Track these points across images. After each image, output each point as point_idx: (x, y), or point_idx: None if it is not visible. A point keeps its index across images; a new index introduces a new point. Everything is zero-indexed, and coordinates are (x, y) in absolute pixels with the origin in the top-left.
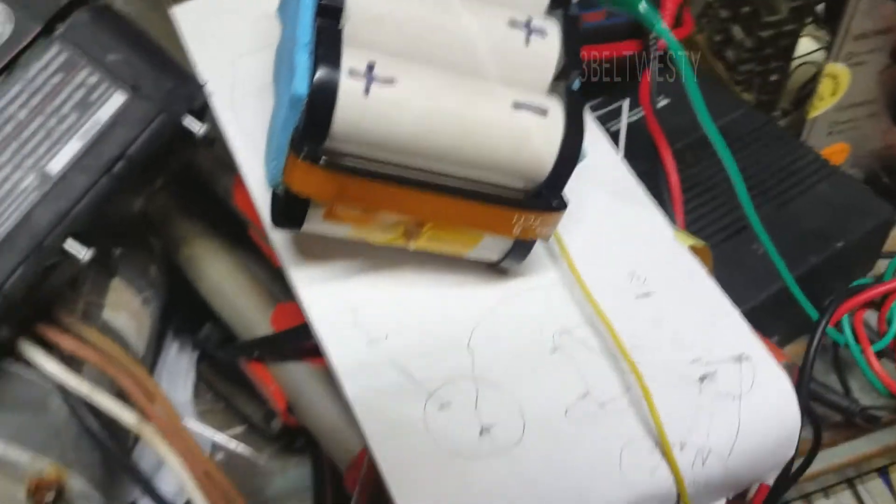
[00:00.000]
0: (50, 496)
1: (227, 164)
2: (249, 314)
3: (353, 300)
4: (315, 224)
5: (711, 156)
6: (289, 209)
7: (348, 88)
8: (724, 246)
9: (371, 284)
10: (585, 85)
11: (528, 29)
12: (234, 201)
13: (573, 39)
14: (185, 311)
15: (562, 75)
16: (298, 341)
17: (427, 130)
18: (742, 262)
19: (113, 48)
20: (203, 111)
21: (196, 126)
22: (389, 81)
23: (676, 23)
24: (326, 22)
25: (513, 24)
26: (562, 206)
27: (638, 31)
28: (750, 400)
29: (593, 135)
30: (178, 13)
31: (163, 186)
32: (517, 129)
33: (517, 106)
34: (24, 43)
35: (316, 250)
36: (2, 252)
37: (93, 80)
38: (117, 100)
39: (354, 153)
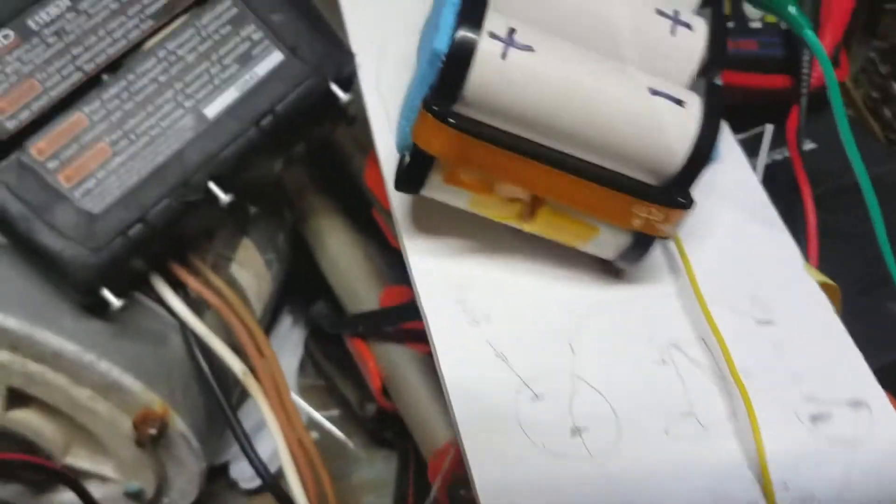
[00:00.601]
0: (153, 430)
1: (362, 146)
2: (360, 291)
3: (462, 278)
4: (435, 189)
5: (853, 206)
6: (411, 172)
7: (487, 50)
8: (857, 299)
9: (481, 266)
10: (727, 109)
11: (676, 20)
12: (365, 179)
13: (720, 36)
14: (303, 288)
15: (704, 72)
16: (402, 320)
17: (559, 102)
18: (874, 319)
19: (278, 9)
20: (350, 80)
21: (341, 93)
22: (528, 48)
23: (833, 62)
24: None
25: (661, 13)
26: (688, 203)
27: (790, 65)
28: (865, 449)
29: (729, 144)
30: None
31: (302, 157)
32: (651, 115)
33: (654, 92)
34: None
35: (432, 225)
36: (152, 182)
37: (257, 36)
38: (275, 58)
39: (484, 121)
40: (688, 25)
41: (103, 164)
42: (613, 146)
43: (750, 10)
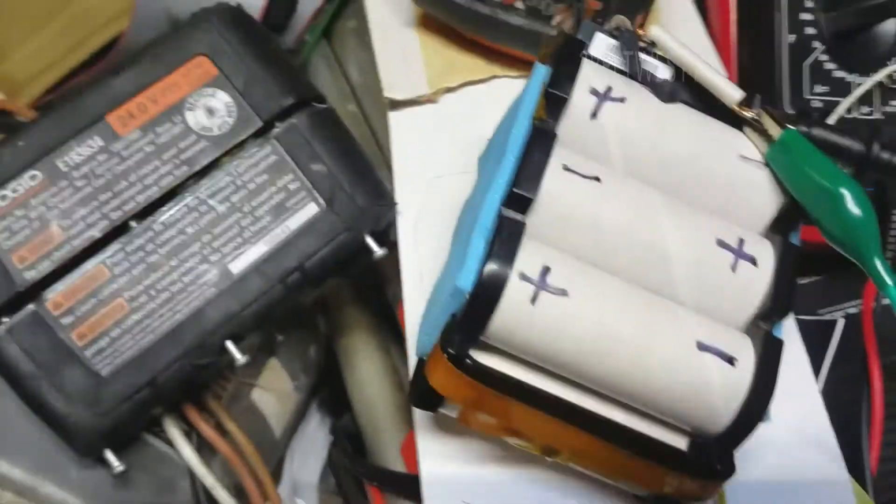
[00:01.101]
0: None
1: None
2: (384, 427)
3: (469, 489)
4: (450, 416)
5: None
6: (426, 393)
7: (515, 293)
8: None
9: (492, 481)
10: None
11: (739, 253)
12: (398, 312)
13: (788, 277)
14: (333, 390)
15: (765, 315)
16: (414, 494)
17: (591, 355)
18: None
19: (320, 158)
20: (387, 232)
21: (375, 247)
22: (562, 293)
23: None
24: (511, 213)
25: (721, 244)
26: (728, 471)
27: None
28: None
29: (796, 366)
30: (392, 118)
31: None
32: (696, 375)
33: (702, 347)
34: (242, 138)
35: (449, 425)
36: (167, 343)
37: (293, 186)
38: (310, 210)
39: (504, 370)
40: (752, 260)
41: (119, 322)
42: (650, 405)
43: None
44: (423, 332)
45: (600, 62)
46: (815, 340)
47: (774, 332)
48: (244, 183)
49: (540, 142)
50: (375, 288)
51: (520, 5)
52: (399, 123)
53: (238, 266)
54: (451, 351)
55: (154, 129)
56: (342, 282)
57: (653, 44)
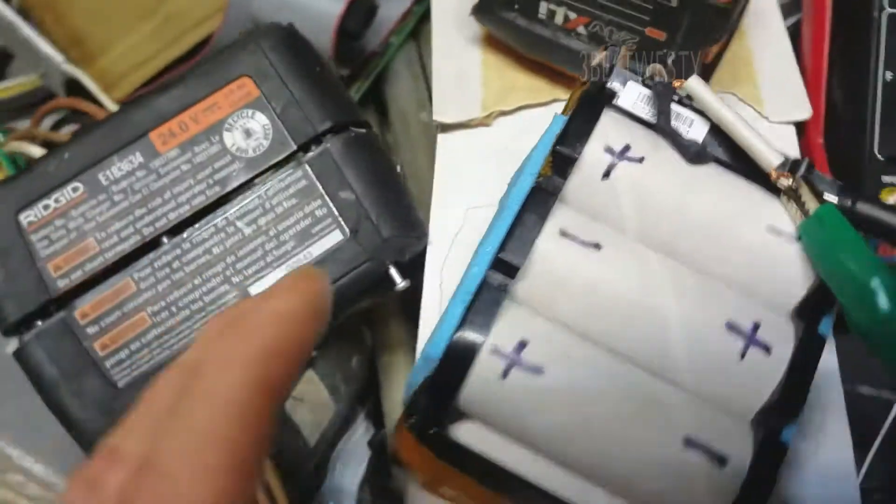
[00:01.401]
0: None
1: None
2: None
3: None
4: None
5: None
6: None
7: (485, 366)
8: None
9: None
10: None
11: (750, 339)
12: None
13: (803, 372)
14: (377, 400)
15: (769, 412)
16: None
17: (562, 438)
18: None
19: (349, 185)
20: (413, 263)
21: (398, 279)
22: (536, 370)
23: None
24: (498, 278)
25: (732, 327)
26: None
27: None
28: None
29: (835, 448)
30: (440, 141)
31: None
32: (677, 473)
33: (690, 443)
34: (275, 161)
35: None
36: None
37: (320, 212)
38: (334, 238)
39: (472, 446)
40: (765, 347)
41: (139, 336)
42: (628, 497)
43: None
44: (408, 384)
45: (629, 114)
46: (864, 420)
47: (784, 434)
48: (272, 206)
49: (536, 203)
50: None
51: (581, 30)
52: (446, 146)
53: (258, 289)
54: (413, 422)
55: (192, 147)
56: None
57: (689, 97)
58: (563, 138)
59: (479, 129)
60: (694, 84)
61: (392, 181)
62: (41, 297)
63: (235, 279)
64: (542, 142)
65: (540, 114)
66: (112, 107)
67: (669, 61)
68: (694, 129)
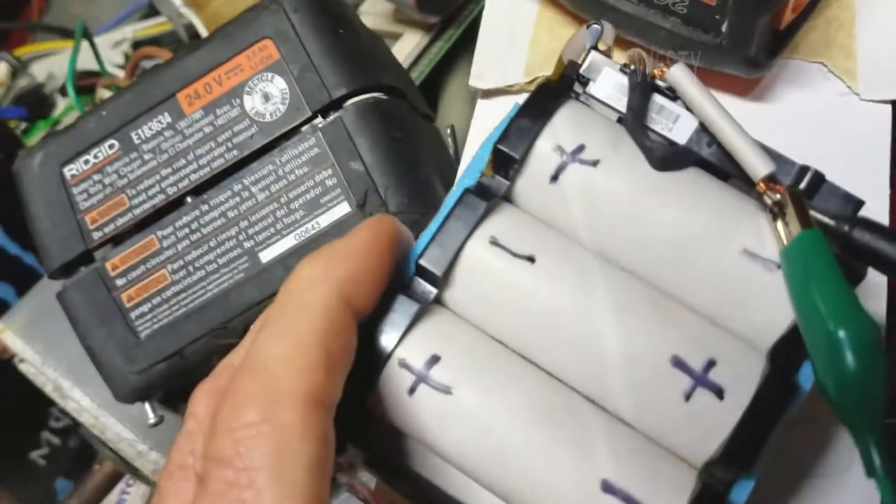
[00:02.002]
0: None
1: None
2: None
3: None
4: None
5: None
6: None
7: (392, 379)
8: None
9: None
10: None
11: (699, 379)
12: None
13: (760, 423)
14: None
15: (715, 464)
16: None
17: (472, 461)
18: None
19: (359, 156)
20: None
21: None
22: (445, 389)
23: None
24: (419, 286)
25: (678, 363)
26: None
27: None
28: None
29: None
30: (479, 108)
31: None
32: None
33: (607, 488)
34: (290, 126)
35: None
36: (195, 318)
37: (330, 182)
38: (341, 209)
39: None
40: (717, 391)
41: (160, 291)
42: None
43: None
44: None
45: (606, 105)
46: None
47: (734, 493)
48: (286, 173)
49: (464, 207)
50: None
51: None
52: (483, 114)
53: (267, 256)
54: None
55: (215, 110)
56: None
57: (672, 88)
58: (505, 134)
59: (523, 95)
60: (678, 73)
61: (408, 152)
62: (80, 246)
63: (247, 244)
64: (491, 136)
65: None
66: None
67: (723, 29)
68: (679, 126)
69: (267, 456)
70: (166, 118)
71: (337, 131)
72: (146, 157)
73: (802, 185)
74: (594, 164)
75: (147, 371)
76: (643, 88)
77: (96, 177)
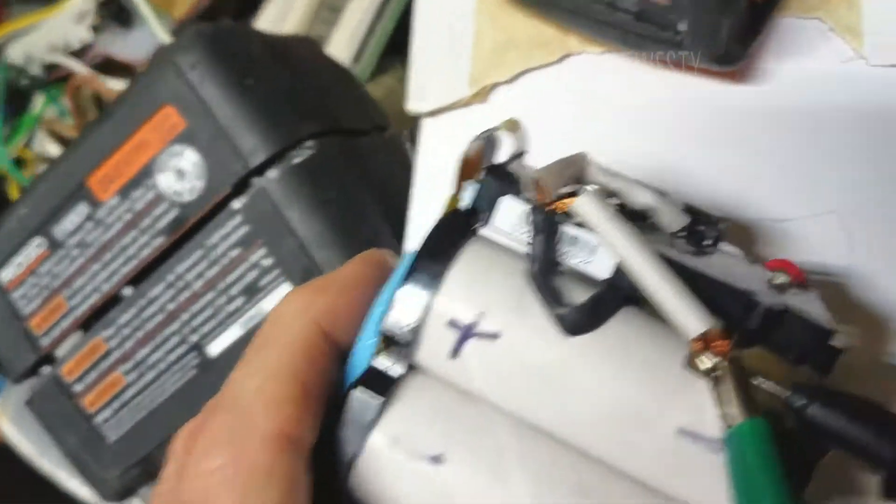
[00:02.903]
0: None
1: None
2: None
3: None
4: None
5: None
6: None
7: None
8: None
9: None
10: None
11: None
12: None
13: None
14: None
15: None
16: None
17: None
18: None
19: (292, 230)
20: None
21: None
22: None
23: None
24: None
25: None
26: None
27: None
28: None
29: None
30: (425, 128)
31: None
32: None
33: None
34: (212, 204)
35: None
36: (157, 419)
37: (266, 263)
38: (283, 291)
39: None
40: None
41: (118, 395)
42: None
43: None
44: None
45: (511, 242)
46: None
47: None
48: (217, 257)
49: (356, 411)
50: None
51: None
52: (429, 136)
53: (216, 349)
54: None
55: (130, 193)
56: None
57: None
58: (390, 310)
59: (473, 108)
60: (584, 209)
61: (348, 214)
62: (31, 355)
63: (193, 338)
64: (381, 298)
65: (552, 75)
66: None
67: (681, 28)
68: (598, 260)
69: (233, 501)
70: (84, 208)
71: (262, 206)
72: (73, 253)
73: (754, 325)
74: (495, 337)
75: (122, 475)
76: (546, 230)
77: (31, 280)
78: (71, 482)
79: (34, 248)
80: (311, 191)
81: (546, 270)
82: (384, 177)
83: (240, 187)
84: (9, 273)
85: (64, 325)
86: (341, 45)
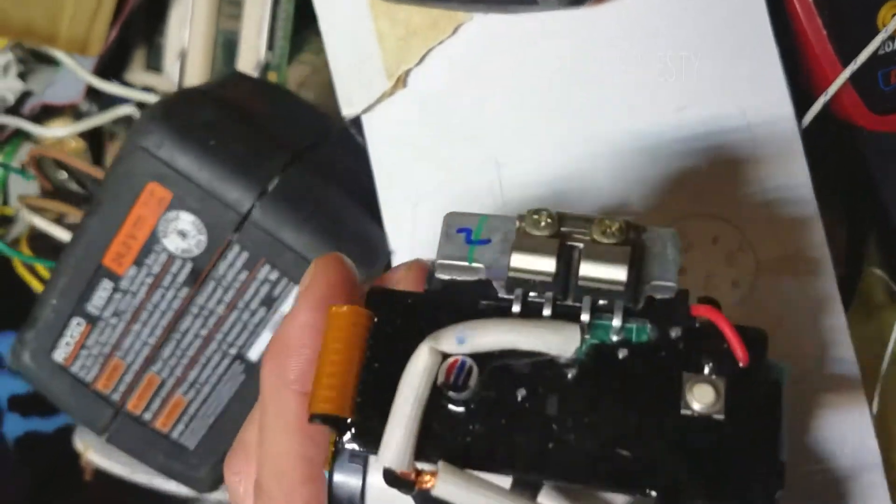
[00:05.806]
0: None
1: None
2: None
3: None
4: None
5: None
6: None
7: None
8: None
9: None
10: None
11: None
12: None
13: None
14: None
15: None
16: None
17: None
18: None
19: (288, 247)
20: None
21: None
22: None
23: None
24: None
25: None
26: None
27: None
28: None
29: None
30: (365, 126)
31: None
32: None
33: None
34: (222, 249)
35: None
36: (223, 423)
37: (273, 276)
38: (295, 293)
39: None
40: None
41: (184, 411)
42: None
43: None
44: None
45: None
46: None
47: None
48: (229, 283)
49: None
50: None
51: None
52: (372, 130)
53: (255, 354)
54: None
55: (144, 261)
56: None
57: None
58: None
59: (396, 96)
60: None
61: (330, 220)
62: (109, 409)
63: (232, 351)
64: None
65: (449, 49)
66: None
67: None
68: None
69: None
70: (108, 284)
71: (255, 235)
72: (112, 321)
73: None
74: None
75: (212, 470)
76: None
77: (83, 352)
78: (169, 484)
79: (76, 328)
80: (292, 212)
81: None
82: (347, 171)
83: (237, 231)
84: (61, 353)
85: (128, 379)
86: (252, 37)
